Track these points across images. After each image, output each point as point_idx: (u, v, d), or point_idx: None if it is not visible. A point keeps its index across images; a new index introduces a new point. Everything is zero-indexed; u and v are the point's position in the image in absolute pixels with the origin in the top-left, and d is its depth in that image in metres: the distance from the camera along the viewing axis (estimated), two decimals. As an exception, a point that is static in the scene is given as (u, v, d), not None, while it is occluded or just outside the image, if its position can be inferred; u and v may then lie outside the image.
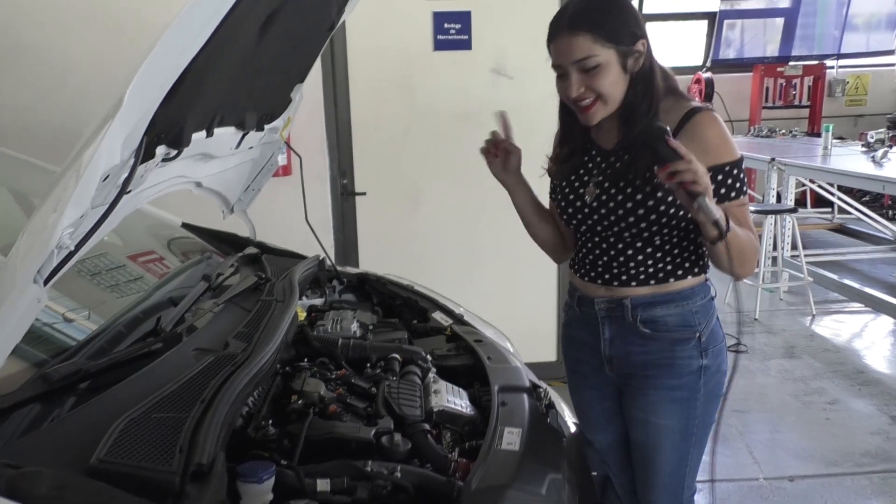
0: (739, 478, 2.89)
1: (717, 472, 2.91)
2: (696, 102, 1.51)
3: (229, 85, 1.43)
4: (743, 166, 1.48)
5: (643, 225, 1.49)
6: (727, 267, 1.44)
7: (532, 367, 1.99)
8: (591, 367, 1.67)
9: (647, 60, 1.47)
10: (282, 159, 3.26)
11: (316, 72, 3.31)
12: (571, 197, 1.60)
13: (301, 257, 2.31)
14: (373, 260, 3.54)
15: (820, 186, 6.02)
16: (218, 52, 1.15)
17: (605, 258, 1.58)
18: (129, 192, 1.11)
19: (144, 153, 1.05)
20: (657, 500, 1.63)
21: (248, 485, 1.12)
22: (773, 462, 3.00)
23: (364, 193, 3.54)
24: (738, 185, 1.46)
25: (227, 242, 2.26)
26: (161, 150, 1.16)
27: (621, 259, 1.56)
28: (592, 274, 1.61)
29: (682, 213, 1.47)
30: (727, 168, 1.44)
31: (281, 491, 1.17)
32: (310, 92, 3.37)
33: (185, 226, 2.32)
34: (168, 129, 1.12)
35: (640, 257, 1.53)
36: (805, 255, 5.00)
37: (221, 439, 1.09)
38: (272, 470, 1.15)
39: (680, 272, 1.54)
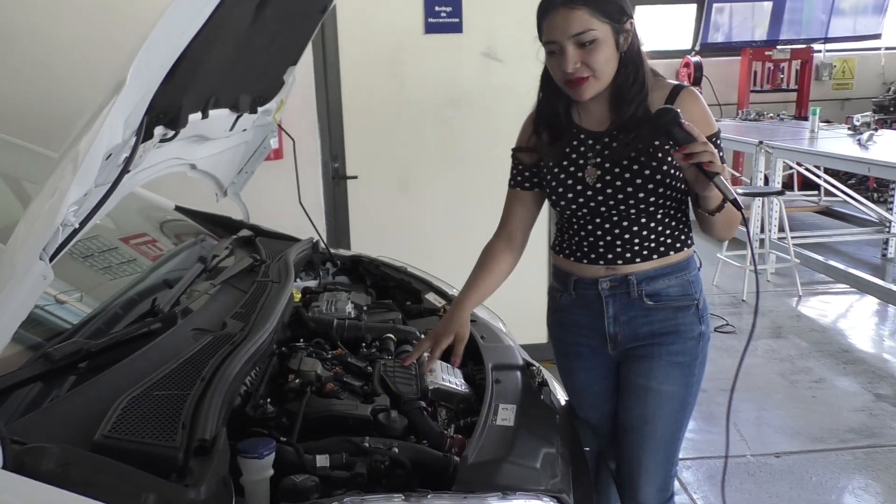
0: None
1: (706, 449, 2.97)
2: (673, 80, 1.57)
3: (224, 66, 1.44)
4: (720, 135, 1.55)
5: (650, 200, 1.53)
6: (716, 232, 1.56)
7: (523, 348, 2.01)
8: (590, 348, 1.68)
9: (636, 41, 1.50)
10: (274, 143, 3.26)
11: (307, 55, 3.27)
12: (570, 182, 1.59)
13: (294, 240, 2.33)
14: (364, 243, 3.54)
15: (807, 169, 6.07)
16: (214, 32, 1.16)
17: (609, 238, 1.59)
18: (129, 171, 1.12)
19: (144, 133, 1.05)
20: (651, 474, 1.65)
21: (249, 460, 1.14)
22: (760, 439, 3.06)
23: (356, 177, 3.55)
24: (720, 154, 1.52)
25: (220, 225, 2.27)
26: (159, 131, 1.17)
27: (626, 237, 1.58)
28: (593, 255, 1.61)
29: (681, 185, 1.53)
30: (711, 140, 1.48)
31: (281, 467, 1.19)
32: (301, 75, 3.35)
33: (179, 209, 2.32)
34: (166, 110, 1.13)
35: (644, 233, 1.57)
36: (792, 237, 5.06)
37: (223, 416, 1.11)
38: (272, 446, 1.17)
39: (678, 244, 1.59)
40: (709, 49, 7.87)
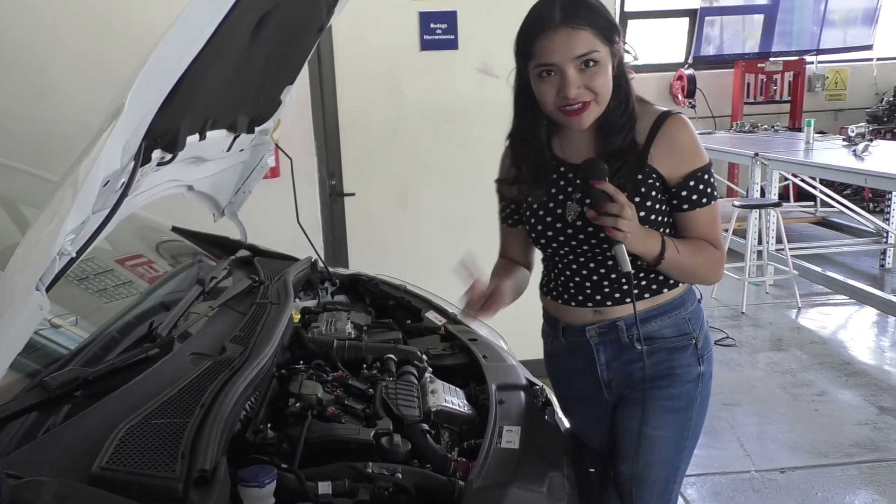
0: (731, 471, 2.92)
1: (710, 465, 2.94)
2: (660, 106, 1.47)
3: (222, 88, 1.43)
4: (712, 169, 1.47)
5: None
6: (682, 280, 1.52)
7: (525, 364, 1.98)
8: (586, 394, 1.62)
9: (622, 65, 1.42)
10: (270, 161, 3.25)
11: (303, 73, 3.27)
12: (549, 219, 1.50)
13: (293, 259, 2.30)
14: (363, 261, 3.53)
15: (802, 180, 6.08)
16: (213, 54, 1.14)
17: (595, 277, 1.51)
18: (128, 196, 1.11)
19: (142, 158, 1.04)
20: None
21: (250, 489, 1.11)
22: (764, 454, 3.03)
23: (353, 194, 3.53)
24: (709, 190, 1.44)
25: (217, 245, 2.25)
26: (157, 154, 1.15)
27: (613, 276, 1.49)
28: (580, 297, 1.53)
29: (662, 218, 1.46)
30: (699, 173, 1.43)
31: (282, 495, 1.16)
32: (297, 93, 3.33)
33: (175, 229, 2.30)
34: (164, 133, 1.12)
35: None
36: (790, 249, 5.06)
37: (223, 444, 1.08)
38: (273, 474, 1.14)
39: (671, 280, 1.51)
40: (702, 62, 7.90)
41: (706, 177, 1.44)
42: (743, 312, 4.80)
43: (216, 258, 2.21)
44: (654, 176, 1.43)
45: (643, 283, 1.50)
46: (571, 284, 1.55)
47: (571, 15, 1.34)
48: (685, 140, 1.43)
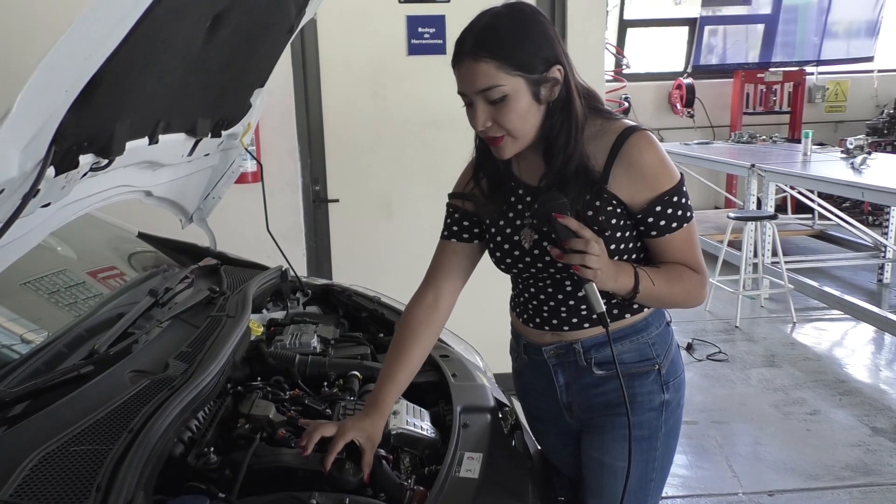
0: (718, 492, 2.83)
1: (696, 486, 2.85)
2: (627, 121, 1.35)
3: (174, 89, 1.35)
4: (684, 188, 1.33)
5: None
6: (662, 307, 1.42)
7: (504, 378, 1.91)
8: (551, 413, 1.53)
9: (566, 87, 1.29)
10: (251, 165, 3.18)
11: (286, 76, 3.23)
12: (507, 246, 1.42)
13: (264, 268, 2.22)
14: (346, 269, 3.46)
15: (800, 193, 6.00)
16: (150, 53, 1.07)
17: (552, 303, 1.42)
18: (48, 204, 1.03)
19: (62, 163, 0.96)
20: None
21: (178, 523, 1.03)
22: (753, 475, 2.94)
23: (337, 200, 3.46)
24: (680, 212, 1.32)
25: (185, 253, 2.16)
26: (87, 160, 1.07)
27: (571, 303, 1.41)
28: (538, 320, 1.45)
29: (630, 245, 1.36)
30: (667, 197, 1.30)
31: (218, 527, 1.08)
32: (280, 97, 3.30)
33: (142, 235, 2.22)
34: (92, 137, 1.03)
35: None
36: (786, 262, 4.97)
37: (147, 475, 1.00)
38: (205, 505, 1.06)
39: (635, 305, 1.40)
40: (701, 71, 7.84)
41: (675, 199, 1.32)
42: (737, 326, 4.72)
43: (185, 267, 2.12)
44: (613, 202, 1.32)
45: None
46: (530, 306, 1.47)
47: (477, 46, 1.23)
48: (648, 161, 1.30)
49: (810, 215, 6.89)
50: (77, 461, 0.98)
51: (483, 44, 1.23)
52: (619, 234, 1.34)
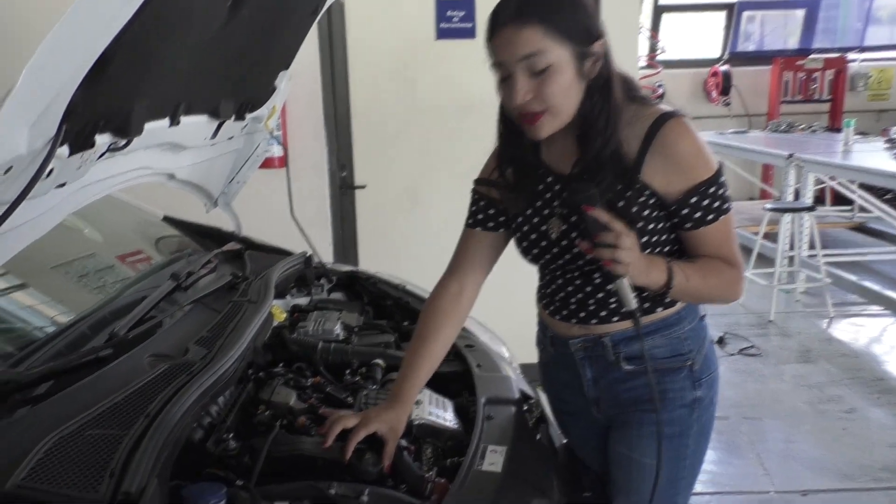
0: (749, 490, 2.75)
1: (726, 483, 2.78)
2: (663, 107, 1.28)
3: (193, 70, 1.32)
4: (722, 179, 1.26)
5: None
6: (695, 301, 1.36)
7: (529, 369, 1.87)
8: (578, 407, 1.48)
9: (606, 66, 1.23)
10: (277, 150, 3.16)
11: (313, 59, 3.20)
12: (533, 236, 1.37)
13: (288, 254, 2.20)
14: (372, 256, 3.43)
15: (840, 184, 5.83)
16: (165, 30, 1.04)
17: (580, 295, 1.37)
18: (64, 185, 1.01)
19: (76, 142, 0.94)
20: None
21: (194, 510, 1.01)
22: (785, 474, 2.86)
23: (364, 186, 3.43)
24: (716, 203, 1.25)
25: (209, 237, 2.15)
26: (103, 140, 1.04)
27: (599, 296, 1.35)
28: (565, 312, 1.40)
29: (663, 237, 1.30)
30: (703, 187, 1.24)
31: (236, 515, 1.06)
32: (307, 81, 3.27)
33: (167, 219, 2.22)
34: (108, 116, 1.01)
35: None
36: (823, 255, 4.83)
37: (162, 461, 0.98)
38: (222, 494, 1.04)
39: (666, 298, 1.33)
40: (738, 58, 7.65)
41: (712, 189, 1.24)
42: (770, 321, 4.60)
43: (208, 251, 2.11)
44: (647, 192, 1.26)
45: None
46: (557, 298, 1.42)
47: (522, 9, 1.17)
48: (684, 149, 1.23)
49: (850, 207, 6.70)
50: (92, 445, 0.96)
51: (529, 6, 1.17)
52: (651, 227, 1.28)
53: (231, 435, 1.24)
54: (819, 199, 6.63)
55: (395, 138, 3.40)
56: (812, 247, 4.95)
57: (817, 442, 3.12)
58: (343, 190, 3.42)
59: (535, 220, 1.37)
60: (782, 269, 4.94)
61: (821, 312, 4.74)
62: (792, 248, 5.10)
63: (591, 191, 1.19)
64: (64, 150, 0.91)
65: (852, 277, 4.88)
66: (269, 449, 1.21)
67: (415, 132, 3.39)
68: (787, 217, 4.90)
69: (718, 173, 1.26)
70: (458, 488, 1.18)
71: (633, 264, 1.18)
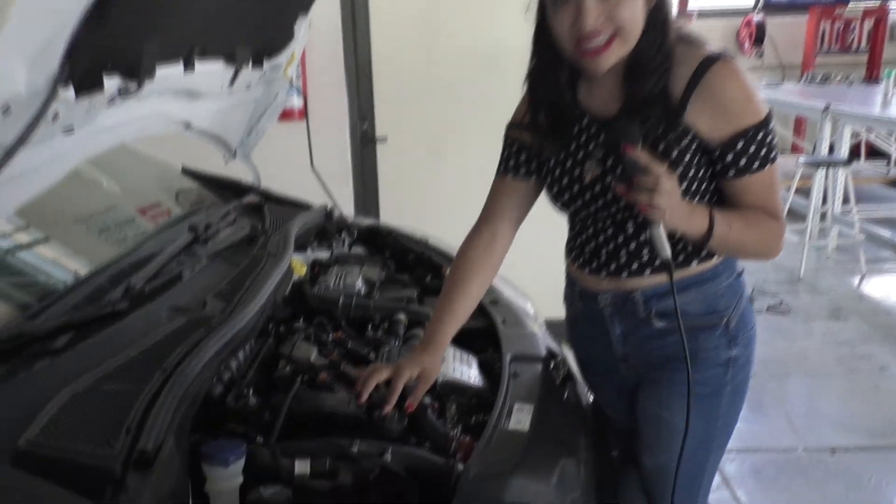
0: (776, 448, 2.71)
1: (751, 440, 2.73)
2: (710, 47, 1.21)
3: (207, 11, 1.26)
4: (771, 126, 1.20)
5: None
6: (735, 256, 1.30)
7: (554, 324, 1.84)
8: (606, 364, 1.44)
9: None
10: (297, 102, 3.09)
11: (334, 7, 3.10)
12: (565, 181, 1.30)
13: (308, 207, 2.16)
14: (394, 210, 3.38)
15: (877, 136, 5.63)
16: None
17: (611, 246, 1.31)
18: (72, 130, 0.96)
19: (83, 83, 0.88)
20: None
21: (214, 468, 0.98)
22: (814, 432, 2.81)
23: (385, 139, 3.36)
24: (763, 151, 1.18)
25: (228, 190, 2.11)
26: (113, 82, 0.99)
27: (631, 246, 1.29)
28: (594, 265, 1.34)
29: (703, 186, 1.24)
30: (750, 133, 1.17)
31: (254, 472, 1.04)
32: (327, 29, 3.18)
33: (185, 171, 2.17)
34: (116, 57, 0.95)
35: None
36: (857, 211, 4.69)
37: (179, 417, 0.95)
38: (241, 450, 1.01)
39: (702, 252, 1.28)
40: (772, 7, 7.35)
41: (760, 136, 1.17)
42: (800, 278, 4.50)
43: (227, 204, 2.07)
44: (690, 136, 1.19)
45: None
46: (587, 249, 1.36)
47: None
48: (732, 92, 1.17)
49: (885, 161, 6.49)
50: (107, 401, 0.93)
51: None
52: (692, 173, 1.21)
53: (251, 390, 1.21)
54: (853, 154, 6.43)
55: (418, 89, 3.30)
56: (846, 202, 4.81)
57: (847, 400, 3.06)
58: (364, 143, 3.35)
59: (569, 163, 1.31)
60: (814, 224, 4.80)
61: (852, 269, 4.62)
62: (825, 202, 4.95)
63: (633, 129, 1.12)
64: (69, 92, 0.86)
65: (886, 233, 4.75)
66: (290, 405, 1.19)
67: (438, 82, 3.29)
68: (821, 171, 4.75)
69: (767, 120, 1.19)
70: (483, 447, 1.14)
71: (672, 210, 1.12)
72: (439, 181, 3.40)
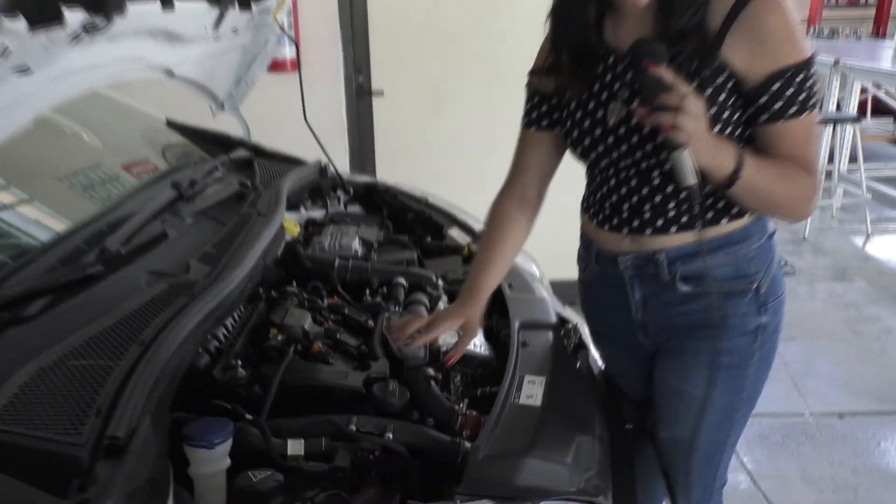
0: (783, 412, 2.65)
1: (759, 404, 2.66)
2: None
3: (185, -61, 1.12)
4: (813, 70, 1.09)
5: None
6: (758, 210, 1.19)
7: (558, 285, 1.78)
8: (622, 331, 1.34)
9: None
10: (289, 51, 2.94)
11: (327, -49, 2.93)
12: (587, 124, 1.20)
13: (302, 163, 2.04)
14: (392, 167, 3.26)
15: (886, 93, 5.48)
16: None
17: (634, 199, 1.20)
18: (28, 71, 0.84)
19: (36, 14, 0.76)
20: (684, 488, 1.35)
21: (197, 450, 0.89)
22: (821, 396, 2.75)
23: (381, 93, 3.21)
24: (802, 96, 1.07)
25: (216, 144, 1.98)
26: (75, 16, 0.86)
27: (657, 200, 1.18)
28: (615, 221, 1.23)
29: (737, 131, 1.13)
30: (790, 73, 1.06)
31: (243, 453, 0.94)
32: (321, -26, 3.02)
33: (170, 124, 2.04)
34: (77, -14, 0.83)
35: (682, 195, 1.16)
36: (864, 169, 4.58)
37: (157, 397, 0.85)
38: (228, 430, 0.92)
39: (735, 209, 1.17)
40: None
41: (800, 78, 1.06)
42: (805, 238, 4.41)
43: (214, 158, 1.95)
44: (725, 73, 1.08)
45: (694, 209, 1.17)
46: (608, 204, 1.25)
47: None
48: (773, 26, 1.06)
49: (891, 119, 6.36)
50: (76, 378, 0.83)
51: None
52: (725, 115, 1.10)
53: (240, 362, 1.12)
54: (859, 112, 6.30)
55: (415, 40, 3.15)
56: (852, 160, 4.69)
57: (854, 363, 3.00)
58: (359, 96, 3.21)
59: (591, 105, 1.20)
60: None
61: (857, 229, 4.54)
62: (831, 161, 4.84)
63: (657, 47, 1.01)
64: (19, 24, 0.74)
65: (893, 193, 4.64)
66: (283, 378, 1.09)
67: (436, 33, 3.14)
68: (828, 129, 4.62)
69: (809, 62, 1.07)
70: (494, 424, 1.05)
71: (698, 136, 1.00)
72: (438, 136, 3.27)
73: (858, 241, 4.43)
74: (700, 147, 1.02)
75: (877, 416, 2.62)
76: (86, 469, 0.73)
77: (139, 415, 0.79)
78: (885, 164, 5.44)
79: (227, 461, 0.92)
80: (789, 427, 2.58)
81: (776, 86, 1.07)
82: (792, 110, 1.08)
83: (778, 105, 1.08)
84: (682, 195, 1.17)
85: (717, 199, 1.17)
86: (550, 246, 1.93)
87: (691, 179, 1.03)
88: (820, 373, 2.95)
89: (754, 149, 1.13)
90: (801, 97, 1.08)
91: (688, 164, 1.02)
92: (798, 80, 1.07)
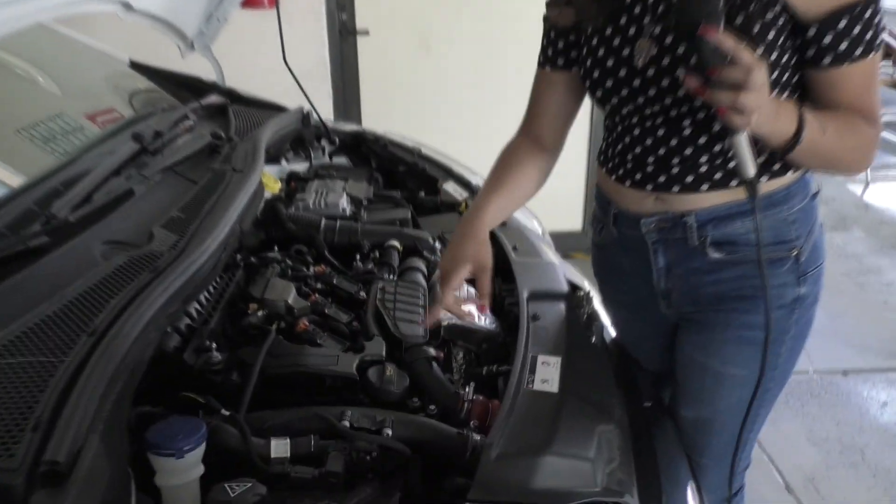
0: (786, 370, 2.58)
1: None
2: None
3: None
4: (880, 3, 0.94)
5: None
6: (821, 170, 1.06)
7: (556, 237, 1.69)
8: (641, 300, 1.21)
9: None
10: (261, -16, 2.72)
11: None
12: (610, 63, 1.06)
13: (282, 110, 1.86)
14: (379, 113, 3.11)
15: (889, 34, 5.28)
16: None
17: (662, 151, 1.06)
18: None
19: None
20: (707, 470, 1.24)
21: (163, 459, 0.75)
22: (825, 353, 2.67)
23: (367, 32, 3.01)
24: (868, 35, 0.93)
25: (185, 88, 1.79)
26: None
27: (687, 153, 1.04)
28: (638, 176, 1.09)
29: (786, 76, 0.98)
30: (858, 8, 0.91)
31: (219, 456, 0.81)
32: None
33: (134, 66, 1.84)
34: None
35: (717, 147, 1.02)
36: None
37: (112, 399, 0.70)
38: (200, 435, 0.78)
39: (776, 166, 1.04)
40: None
41: (868, 15, 0.92)
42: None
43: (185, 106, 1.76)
44: (778, 7, 0.93)
45: (730, 165, 1.03)
46: (630, 156, 1.10)
47: None
48: None
49: (890, 62, 6.18)
50: (8, 381, 0.68)
51: None
52: (774, 57, 0.95)
53: (214, 345, 0.97)
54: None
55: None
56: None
57: (857, 317, 2.92)
58: (343, 36, 3.01)
59: (616, 41, 1.04)
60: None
61: (856, 177, 4.42)
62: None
63: (711, 3, 0.82)
64: None
65: (893, 138, 4.52)
66: (264, 364, 0.95)
67: (425, -34, 2.93)
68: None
69: (867, 3, 0.91)
70: (506, 415, 0.92)
71: (761, 110, 0.84)
72: (430, 79, 3.13)
73: (857, 189, 4.33)
74: (761, 120, 0.86)
75: (881, 374, 2.56)
76: (19, 501, 0.59)
77: (88, 427, 0.64)
78: (885, 108, 5.30)
79: (200, 469, 0.78)
80: (793, 385, 2.49)
81: (842, 24, 0.92)
82: (859, 50, 0.93)
83: (843, 46, 0.93)
84: (717, 148, 1.02)
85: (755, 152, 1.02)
86: (546, 194, 1.79)
87: (752, 170, 0.88)
88: (823, 328, 2.82)
89: (809, 99, 0.99)
90: (867, 36, 0.93)
91: (747, 150, 0.87)
92: (866, 16, 0.91)
